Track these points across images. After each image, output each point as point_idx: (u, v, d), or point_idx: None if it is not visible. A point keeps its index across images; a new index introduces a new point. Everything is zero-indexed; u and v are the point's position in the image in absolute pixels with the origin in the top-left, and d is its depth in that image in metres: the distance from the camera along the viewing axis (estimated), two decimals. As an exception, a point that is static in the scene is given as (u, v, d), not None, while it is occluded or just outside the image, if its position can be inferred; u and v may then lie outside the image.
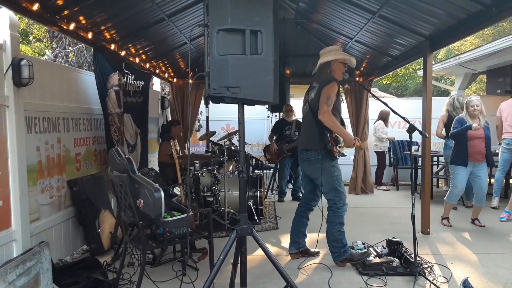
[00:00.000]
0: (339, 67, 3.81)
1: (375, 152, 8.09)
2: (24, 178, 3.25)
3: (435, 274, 3.51)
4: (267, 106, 7.73)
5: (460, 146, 4.99)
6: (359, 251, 3.87)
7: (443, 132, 6.23)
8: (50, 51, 10.25)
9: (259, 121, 8.37)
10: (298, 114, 5.90)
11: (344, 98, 7.76)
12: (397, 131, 8.30)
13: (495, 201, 6.10)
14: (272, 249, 4.36)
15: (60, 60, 9.89)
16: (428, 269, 3.58)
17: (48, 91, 3.80)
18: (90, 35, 4.19)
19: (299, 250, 4.06)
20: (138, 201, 2.85)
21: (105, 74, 4.53)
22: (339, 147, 3.80)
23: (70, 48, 9.95)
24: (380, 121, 8.04)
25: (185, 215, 3.08)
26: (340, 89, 4.00)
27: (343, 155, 3.92)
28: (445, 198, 5.23)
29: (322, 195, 3.90)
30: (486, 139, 4.92)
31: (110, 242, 4.30)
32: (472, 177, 5.03)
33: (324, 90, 3.61)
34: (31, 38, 12.80)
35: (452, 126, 5.12)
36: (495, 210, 5.91)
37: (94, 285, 3.29)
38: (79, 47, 9.87)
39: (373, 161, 8.11)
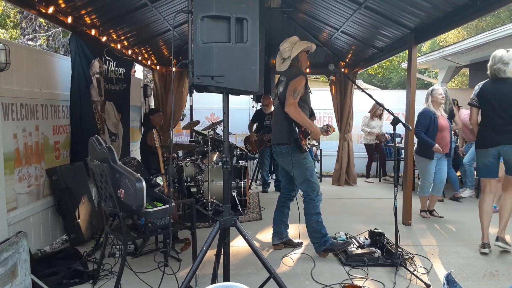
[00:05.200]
0: (304, 56, 3.88)
1: (364, 144, 8.14)
2: (0, 166, 3.15)
3: (415, 265, 3.56)
4: (252, 96, 7.68)
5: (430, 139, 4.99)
6: (340, 241, 3.91)
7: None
8: (21, 35, 9.88)
9: (244, 111, 8.32)
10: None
11: (328, 90, 7.78)
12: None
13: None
14: (256, 240, 4.35)
15: (32, 44, 9.57)
16: (409, 260, 3.63)
17: (26, 77, 3.68)
18: (69, 20, 4.05)
19: (282, 241, 4.07)
20: (119, 191, 2.78)
21: (86, 60, 4.40)
22: (309, 139, 3.81)
23: (42, 31, 9.62)
24: (367, 114, 8.04)
25: (167, 205, 3.03)
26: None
27: (314, 145, 3.93)
28: (418, 192, 5.30)
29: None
30: (450, 129, 5.03)
31: (90, 232, 4.23)
32: (436, 168, 5.08)
33: (291, 83, 3.64)
34: (8, 22, 12.37)
35: (418, 121, 5.01)
36: (477, 202, 6.03)
37: (73, 275, 3.24)
38: (54, 32, 9.56)
39: (357, 152, 8.16)
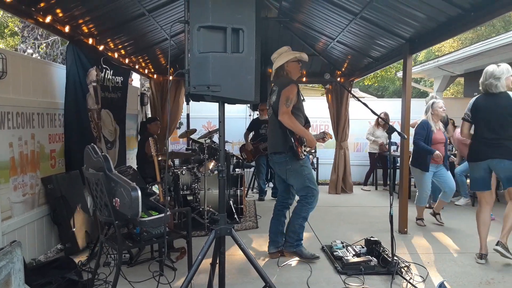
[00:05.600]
0: (293, 66, 3.89)
1: (368, 152, 8.16)
2: (-5, 175, 3.14)
3: (412, 273, 3.56)
4: (248, 104, 7.70)
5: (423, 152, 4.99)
6: (310, 252, 3.99)
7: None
8: (21, 42, 9.92)
9: (240, 119, 8.32)
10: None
11: (324, 98, 7.82)
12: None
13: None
14: (252, 249, 4.34)
15: (31, 52, 9.59)
16: (405, 268, 3.63)
17: (22, 85, 3.68)
18: (67, 29, 4.08)
19: (278, 249, 4.07)
20: (114, 200, 2.78)
21: (83, 69, 4.41)
22: (305, 146, 3.84)
23: (42, 39, 9.66)
24: (372, 123, 8.06)
25: (162, 214, 3.03)
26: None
27: (310, 153, 3.95)
28: (415, 202, 5.31)
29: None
30: (445, 143, 5.07)
31: (85, 241, 4.21)
32: (440, 178, 5.10)
33: (283, 92, 3.67)
34: (6, 31, 12.39)
35: (417, 131, 5.08)
36: (473, 210, 6.04)
37: (68, 285, 3.21)
38: (54, 39, 9.60)
39: (353, 160, 8.18)
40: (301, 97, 3.88)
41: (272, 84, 3.97)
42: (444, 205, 5.38)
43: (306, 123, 3.98)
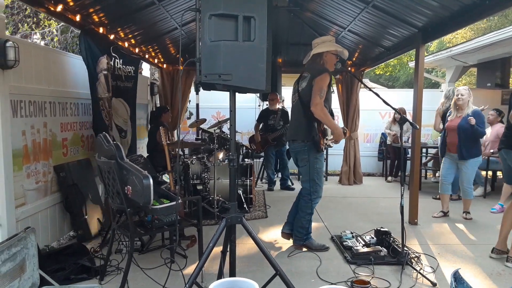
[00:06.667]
0: (331, 58, 3.82)
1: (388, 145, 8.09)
2: (9, 163, 3.18)
3: (422, 264, 3.56)
4: (258, 94, 7.69)
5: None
6: (320, 243, 4.01)
7: (441, 126, 6.31)
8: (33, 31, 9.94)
9: (249, 109, 8.31)
10: (288, 103, 5.85)
11: (335, 88, 7.77)
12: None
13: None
14: (261, 237, 4.36)
15: (41, 41, 9.62)
16: (415, 259, 3.62)
17: (34, 74, 3.71)
18: (78, 18, 4.08)
19: (291, 232, 4.08)
20: (126, 188, 2.80)
21: (94, 57, 4.42)
22: (327, 139, 3.81)
23: (37, 29, 9.66)
24: (390, 118, 8.01)
25: (174, 202, 3.05)
26: (332, 80, 4.00)
27: (329, 146, 3.94)
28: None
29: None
30: (459, 129, 4.82)
31: (97, 228, 4.26)
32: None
33: (317, 81, 3.60)
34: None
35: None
36: (485, 202, 6.00)
37: (81, 271, 3.27)
38: (62, 28, 9.61)
39: (363, 151, 8.14)
40: (331, 89, 3.84)
41: (303, 71, 3.91)
42: (467, 203, 5.12)
43: (331, 115, 3.95)
